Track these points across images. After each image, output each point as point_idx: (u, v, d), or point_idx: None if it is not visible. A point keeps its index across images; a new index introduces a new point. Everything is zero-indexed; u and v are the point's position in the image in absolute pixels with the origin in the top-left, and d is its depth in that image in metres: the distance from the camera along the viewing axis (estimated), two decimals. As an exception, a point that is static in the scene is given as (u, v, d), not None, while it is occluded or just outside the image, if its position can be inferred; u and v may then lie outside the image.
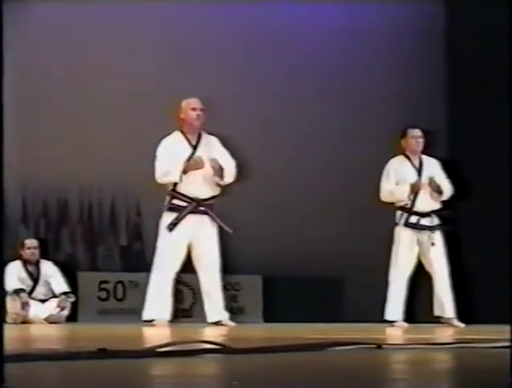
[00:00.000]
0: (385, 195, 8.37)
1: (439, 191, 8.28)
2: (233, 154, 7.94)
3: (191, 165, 7.56)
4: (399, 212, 8.38)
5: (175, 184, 7.65)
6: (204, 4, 10.81)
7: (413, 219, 8.31)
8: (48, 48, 10.47)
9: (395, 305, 8.29)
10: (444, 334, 6.43)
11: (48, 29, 10.50)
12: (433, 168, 8.41)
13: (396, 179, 8.33)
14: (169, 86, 10.22)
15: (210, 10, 10.93)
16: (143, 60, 10.70)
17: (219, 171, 7.62)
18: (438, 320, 8.33)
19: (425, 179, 8.30)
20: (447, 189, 8.33)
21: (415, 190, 8.23)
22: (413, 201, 8.29)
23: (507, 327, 7.51)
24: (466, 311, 8.77)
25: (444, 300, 8.30)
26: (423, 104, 11.29)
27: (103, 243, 10.67)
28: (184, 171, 7.55)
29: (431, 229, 8.31)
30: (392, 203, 8.43)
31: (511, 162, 2.26)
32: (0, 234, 1.59)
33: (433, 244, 8.27)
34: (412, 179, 8.32)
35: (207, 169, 7.61)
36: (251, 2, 11.04)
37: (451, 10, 11.68)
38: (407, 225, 8.31)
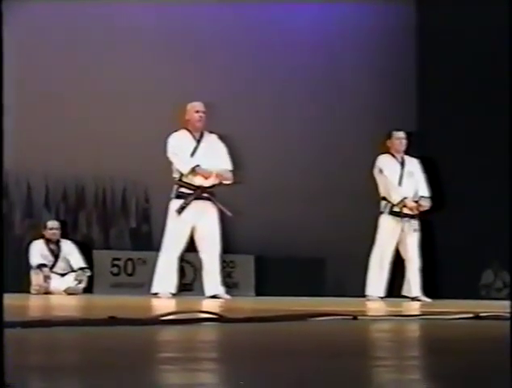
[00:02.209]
0: (382, 189, 8.43)
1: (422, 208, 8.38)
2: (231, 148, 7.96)
3: (200, 173, 7.65)
4: (383, 202, 8.42)
5: (182, 175, 7.72)
6: (194, 7, 10.72)
7: (397, 208, 8.36)
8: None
9: (374, 283, 8.34)
10: (413, 307, 6.46)
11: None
12: (413, 166, 8.53)
13: (387, 175, 8.41)
14: (176, 87, 10.21)
15: (201, 14, 10.84)
16: (145, 62, 10.65)
17: (221, 181, 7.75)
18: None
19: (406, 176, 8.39)
20: (426, 202, 8.38)
21: (403, 205, 8.30)
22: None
23: (468, 302, 7.53)
24: (433, 288, 8.80)
25: (412, 282, 8.37)
26: (395, 103, 11.27)
27: (116, 225, 10.67)
28: (194, 174, 7.66)
29: (413, 217, 8.38)
30: (377, 191, 8.46)
31: (511, 161, 2.26)
32: (0, 234, 1.57)
33: (415, 230, 8.34)
34: (397, 173, 8.39)
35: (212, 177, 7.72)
36: (240, 2, 10.93)
37: (422, 11, 11.54)
38: (391, 213, 8.36)
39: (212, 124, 7.98)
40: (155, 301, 6.83)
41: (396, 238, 8.38)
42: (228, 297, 7.77)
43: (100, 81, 10.50)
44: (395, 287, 8.58)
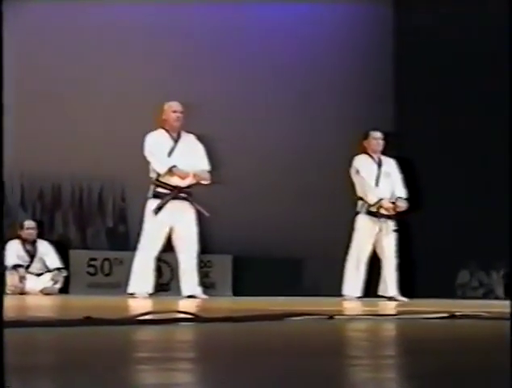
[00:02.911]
0: (358, 189, 8.43)
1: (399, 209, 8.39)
2: (209, 148, 7.96)
3: (177, 173, 7.62)
4: (360, 202, 8.44)
5: (159, 175, 7.69)
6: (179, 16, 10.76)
7: (374, 208, 8.38)
8: (44, 47, 10.37)
9: (351, 283, 8.36)
10: (389, 307, 6.48)
11: (46, 28, 10.40)
12: (390, 166, 8.54)
13: (364, 175, 8.41)
14: (150, 87, 10.20)
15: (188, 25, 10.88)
16: (131, 62, 10.65)
17: (198, 181, 7.72)
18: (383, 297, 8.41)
19: (383, 177, 8.40)
20: (403, 203, 8.39)
21: (380, 205, 8.31)
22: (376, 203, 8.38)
23: (444, 301, 7.57)
24: (409, 288, 8.84)
25: (389, 282, 8.40)
26: (373, 103, 11.31)
27: (92, 225, 10.64)
28: (170, 175, 7.63)
29: (389, 217, 8.39)
30: (354, 192, 8.48)
31: (511, 161, 2.28)
32: (1, 235, 1.56)
33: (392, 231, 8.35)
34: (373, 174, 8.40)
35: (190, 177, 7.70)
36: (219, 3, 10.94)
37: (399, 12, 11.58)
38: (368, 213, 8.37)
39: (190, 124, 7.97)
40: (132, 302, 6.81)
41: (372, 238, 8.40)
42: (205, 296, 7.76)
43: (76, 80, 10.46)
44: (371, 287, 8.61)
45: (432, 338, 2.97)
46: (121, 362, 1.95)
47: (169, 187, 7.71)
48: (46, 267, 9.59)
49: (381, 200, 8.33)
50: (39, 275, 9.52)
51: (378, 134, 8.61)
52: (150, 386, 1.55)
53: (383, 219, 8.38)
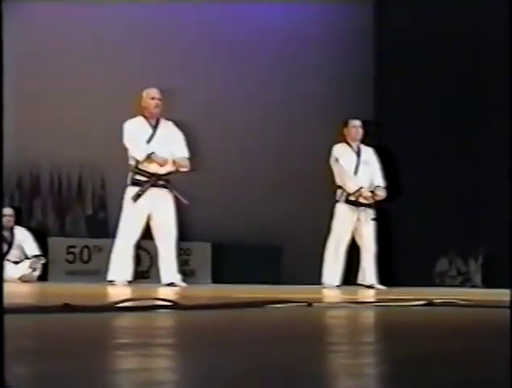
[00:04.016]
0: (337, 178, 8.45)
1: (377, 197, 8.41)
2: (188, 136, 7.95)
3: (155, 160, 7.60)
4: (339, 191, 8.45)
5: (138, 162, 7.67)
6: (166, 9, 10.75)
7: (353, 197, 8.39)
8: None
9: (330, 271, 8.39)
10: (368, 295, 6.51)
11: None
12: (369, 155, 8.56)
13: (343, 164, 8.43)
14: (129, 74, 10.17)
15: (171, 15, 10.87)
16: (109, 50, 10.62)
17: (177, 168, 7.71)
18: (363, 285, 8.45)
19: (362, 165, 8.43)
20: (382, 192, 8.41)
21: (359, 194, 8.32)
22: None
23: (422, 289, 7.62)
24: (388, 276, 8.89)
25: (368, 271, 8.44)
26: (352, 92, 11.33)
27: (71, 212, 10.60)
28: (149, 162, 7.60)
29: (368, 206, 8.41)
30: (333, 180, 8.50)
31: (511, 161, 2.29)
32: (0, 232, 1.55)
33: (371, 219, 8.38)
34: (352, 162, 8.42)
35: (169, 165, 7.69)
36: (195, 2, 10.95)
37: (378, 11, 11.65)
38: (347, 202, 8.39)
39: (169, 110, 7.96)
40: (111, 289, 6.80)
41: (351, 227, 8.43)
42: (184, 284, 7.77)
43: (55, 69, 10.41)
44: (351, 275, 8.65)
45: (410, 325, 2.99)
46: (99, 348, 1.95)
47: (147, 175, 7.70)
48: (24, 254, 9.55)
49: (360, 188, 8.36)
50: (17, 262, 9.49)
51: (357, 122, 8.62)
52: (128, 371, 1.55)
53: (362, 208, 8.41)
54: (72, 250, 10.26)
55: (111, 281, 7.68)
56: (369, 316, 3.60)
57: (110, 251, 7.88)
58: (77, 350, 1.89)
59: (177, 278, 7.77)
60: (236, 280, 9.41)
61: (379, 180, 8.51)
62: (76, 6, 10.32)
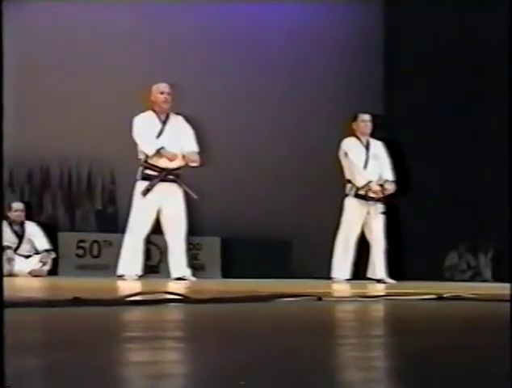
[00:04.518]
0: (347, 172, 8.44)
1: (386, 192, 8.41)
2: (197, 130, 7.95)
3: (165, 155, 7.61)
4: (349, 185, 8.45)
5: (147, 157, 7.69)
6: (173, 6, 10.78)
7: (362, 191, 8.39)
8: (49, 45, 10.38)
9: (340, 265, 8.39)
10: (378, 289, 6.51)
11: (46, 27, 10.40)
12: (378, 149, 8.55)
13: (352, 158, 8.43)
14: (139, 69, 10.18)
15: (178, 12, 10.89)
16: (119, 46, 10.64)
17: (187, 162, 7.72)
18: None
19: (371, 159, 8.42)
20: (391, 186, 8.39)
21: (368, 188, 8.31)
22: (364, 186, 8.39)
23: (432, 283, 7.60)
24: (398, 270, 8.88)
25: (377, 265, 8.42)
26: (362, 86, 11.31)
27: (81, 207, 10.61)
28: (159, 156, 7.63)
29: (378, 200, 8.40)
30: (343, 174, 8.49)
31: (511, 160, 2.30)
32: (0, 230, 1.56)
33: (380, 213, 8.37)
34: (362, 156, 8.42)
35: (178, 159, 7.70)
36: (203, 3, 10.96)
37: (388, 11, 11.66)
38: (356, 196, 8.38)
39: (179, 105, 7.95)
40: (120, 283, 6.82)
41: (361, 221, 8.42)
42: (194, 279, 7.77)
43: (67, 59, 10.43)
44: (360, 269, 8.64)
45: (419, 319, 2.99)
46: (109, 341, 1.96)
47: (157, 169, 7.71)
48: (34, 248, 9.58)
49: (369, 182, 8.35)
50: (27, 257, 9.51)
51: (366, 116, 8.61)
52: (138, 364, 1.56)
53: (371, 202, 8.40)
54: (82, 244, 10.28)
55: (120, 276, 7.69)
56: (378, 310, 3.60)
57: (120, 246, 7.89)
58: (88, 343, 1.90)
59: (187, 272, 7.78)
60: (245, 274, 9.41)
61: (389, 174, 8.50)
62: (76, 7, 10.31)
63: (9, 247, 9.39)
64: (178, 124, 7.87)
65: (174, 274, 7.77)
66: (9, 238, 9.46)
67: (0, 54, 1.43)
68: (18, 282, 7.55)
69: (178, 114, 7.91)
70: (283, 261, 10.88)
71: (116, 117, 9.35)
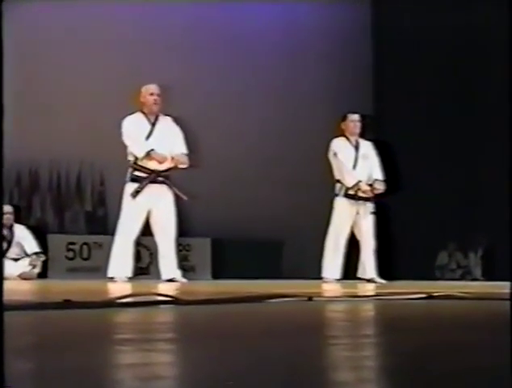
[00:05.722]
0: (336, 172, 8.45)
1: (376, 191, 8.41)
2: (187, 132, 7.95)
3: (155, 157, 7.60)
4: (338, 185, 8.45)
5: (137, 158, 7.67)
6: (164, 6, 10.77)
7: (351, 191, 8.39)
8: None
9: (330, 265, 8.39)
10: (368, 288, 6.52)
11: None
12: (368, 149, 8.55)
13: (342, 158, 8.43)
14: (128, 71, 10.17)
15: (168, 12, 10.89)
16: (107, 48, 10.62)
17: (176, 164, 7.71)
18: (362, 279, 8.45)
19: (361, 159, 8.43)
20: (381, 186, 8.40)
21: (358, 188, 8.32)
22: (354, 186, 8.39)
23: (422, 282, 7.62)
24: (388, 270, 8.90)
25: (367, 264, 8.43)
26: (351, 86, 11.33)
27: (71, 209, 10.59)
28: (148, 159, 7.61)
29: (368, 200, 8.41)
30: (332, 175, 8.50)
31: (511, 159, 2.31)
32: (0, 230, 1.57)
33: (370, 213, 8.37)
34: (351, 156, 8.42)
35: (168, 161, 7.69)
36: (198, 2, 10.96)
37: (376, 11, 11.68)
38: (346, 196, 8.39)
39: (168, 106, 7.94)
40: (111, 285, 6.80)
41: (351, 221, 8.42)
42: (184, 280, 7.77)
43: (54, 67, 10.41)
44: (350, 269, 8.65)
45: (410, 318, 2.99)
46: (100, 343, 1.95)
47: (147, 171, 7.69)
48: (24, 251, 9.55)
49: (359, 182, 8.36)
50: (16, 260, 9.48)
51: (355, 116, 8.62)
52: (129, 366, 1.56)
53: (361, 201, 8.40)
54: (72, 247, 10.26)
55: (111, 278, 7.68)
56: (369, 309, 3.61)
57: (110, 248, 7.88)
58: (78, 346, 1.90)
59: (177, 274, 7.77)
60: (236, 275, 9.41)
61: (378, 174, 8.51)
62: (76, 6, 10.31)
63: (-2, 250, 9.37)
64: (167, 125, 7.86)
65: (165, 276, 7.76)
66: (-2, 241, 9.44)
67: (0, 54, 1.43)
68: (8, 285, 7.52)
69: (167, 115, 7.90)
70: (273, 262, 10.90)
71: (105, 119, 9.34)
